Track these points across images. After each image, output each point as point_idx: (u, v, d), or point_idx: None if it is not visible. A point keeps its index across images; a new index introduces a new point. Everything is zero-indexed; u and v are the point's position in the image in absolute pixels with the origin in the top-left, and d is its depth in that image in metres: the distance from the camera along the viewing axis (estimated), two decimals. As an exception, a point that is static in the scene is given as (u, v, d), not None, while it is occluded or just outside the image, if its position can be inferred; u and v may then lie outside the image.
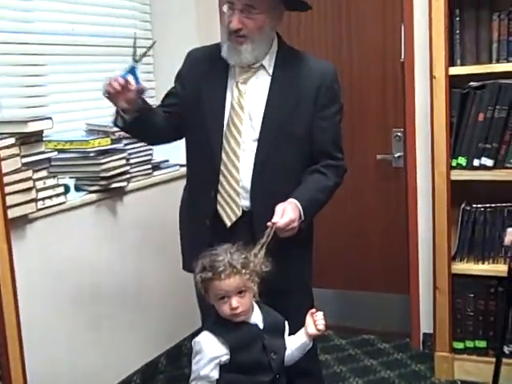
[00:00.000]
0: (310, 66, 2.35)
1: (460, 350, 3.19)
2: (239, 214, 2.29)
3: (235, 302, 1.89)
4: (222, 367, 1.92)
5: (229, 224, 2.30)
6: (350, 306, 3.83)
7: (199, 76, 2.37)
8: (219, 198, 2.31)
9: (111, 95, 2.21)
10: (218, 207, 2.32)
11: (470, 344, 3.17)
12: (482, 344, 3.15)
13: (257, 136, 2.28)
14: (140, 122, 2.29)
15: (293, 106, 2.28)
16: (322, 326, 1.99)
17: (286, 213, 2.12)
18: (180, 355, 3.51)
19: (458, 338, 3.18)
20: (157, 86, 3.66)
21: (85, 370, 2.89)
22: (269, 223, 2.08)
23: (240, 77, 2.32)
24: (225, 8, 2.27)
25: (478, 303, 3.13)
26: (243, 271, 1.89)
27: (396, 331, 3.69)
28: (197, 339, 1.97)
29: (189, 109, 2.38)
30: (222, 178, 2.29)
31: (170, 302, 3.42)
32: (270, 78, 2.31)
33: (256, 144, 2.28)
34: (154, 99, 3.65)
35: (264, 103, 2.29)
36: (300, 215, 2.18)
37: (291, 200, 2.20)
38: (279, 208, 2.13)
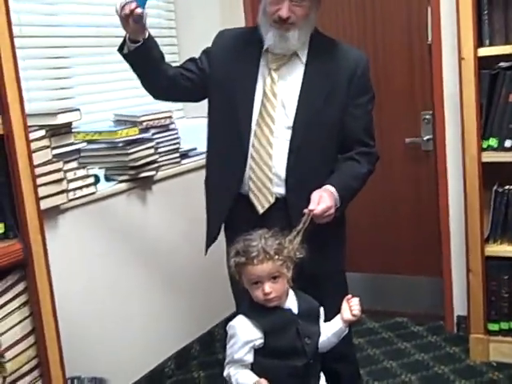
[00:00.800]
0: (344, 54, 2.33)
1: (495, 332, 3.16)
2: (272, 200, 2.29)
3: (268, 287, 1.90)
4: (256, 351, 1.93)
5: (261, 211, 2.30)
6: (382, 289, 3.81)
7: (230, 58, 2.35)
8: (251, 184, 2.30)
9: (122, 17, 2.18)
10: (250, 194, 2.31)
11: (504, 326, 3.14)
12: (517, 325, 3.13)
13: (290, 124, 2.27)
14: (143, 54, 2.29)
15: (327, 94, 2.27)
16: (357, 312, 1.99)
17: (323, 200, 2.12)
18: (213, 341, 3.54)
19: (493, 320, 3.15)
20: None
21: (118, 357, 2.93)
22: (305, 210, 2.08)
23: (273, 63, 2.29)
24: None
25: (512, 285, 3.10)
26: (276, 257, 1.89)
27: (429, 314, 3.67)
28: (231, 323, 1.98)
29: (215, 89, 2.37)
30: (253, 165, 2.29)
31: (202, 289, 3.43)
32: (303, 65, 2.30)
33: (290, 132, 2.27)
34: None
35: (298, 91, 2.27)
36: (336, 202, 2.18)
37: (327, 187, 2.20)
38: (315, 195, 2.13)
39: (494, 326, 3.16)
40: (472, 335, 3.19)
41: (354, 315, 1.99)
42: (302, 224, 2.04)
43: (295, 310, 1.98)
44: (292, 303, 1.99)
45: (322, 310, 2.06)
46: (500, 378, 3.02)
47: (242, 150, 2.30)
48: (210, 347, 3.50)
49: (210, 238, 2.48)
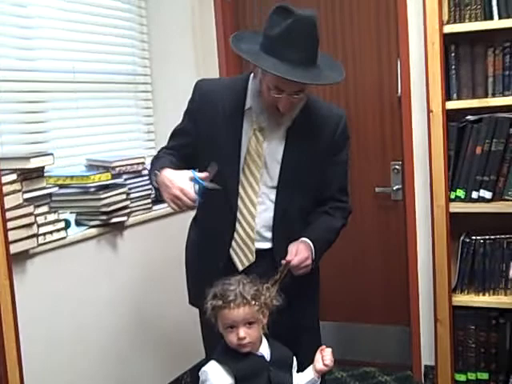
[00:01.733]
0: (325, 113, 2.34)
1: (462, 383, 3.17)
2: (252, 259, 2.31)
3: (242, 332, 1.91)
4: None
5: (241, 268, 2.31)
6: (350, 338, 3.81)
7: (212, 113, 2.31)
8: (233, 243, 2.31)
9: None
10: (231, 251, 2.32)
11: (472, 376, 3.16)
12: (484, 376, 3.14)
13: (274, 184, 2.29)
14: None
15: (310, 155, 2.29)
16: (329, 362, 2.01)
17: (300, 251, 2.18)
18: (180, 390, 3.49)
19: (460, 370, 3.17)
20: (155, 120, 3.70)
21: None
22: (283, 261, 2.14)
23: (258, 123, 2.28)
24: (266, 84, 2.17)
25: (479, 335, 3.12)
26: (253, 302, 1.92)
27: (397, 363, 3.68)
28: (203, 368, 1.98)
29: (203, 148, 2.34)
30: (237, 225, 2.30)
31: (170, 337, 3.40)
32: (286, 127, 2.29)
33: (274, 191, 2.29)
34: (152, 134, 3.70)
35: (281, 152, 2.28)
36: (312, 254, 2.22)
37: (303, 239, 2.24)
38: (292, 247, 2.19)
39: (461, 377, 3.17)
40: (439, 385, 3.19)
41: (325, 365, 2.01)
42: (280, 273, 2.10)
43: (268, 357, 1.99)
44: (265, 350, 2.00)
45: (294, 359, 2.07)
46: (467, 430, 3.03)
47: (231, 210, 2.29)
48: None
49: (192, 302, 2.49)
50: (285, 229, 2.30)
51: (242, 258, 2.32)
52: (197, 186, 2.08)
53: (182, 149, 2.40)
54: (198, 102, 2.37)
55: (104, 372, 2.99)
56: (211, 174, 2.10)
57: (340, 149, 2.36)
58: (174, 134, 2.47)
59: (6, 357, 2.06)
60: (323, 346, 2.06)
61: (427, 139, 3.06)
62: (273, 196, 2.30)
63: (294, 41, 2.07)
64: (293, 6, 2.08)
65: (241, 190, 2.29)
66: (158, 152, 2.48)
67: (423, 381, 3.52)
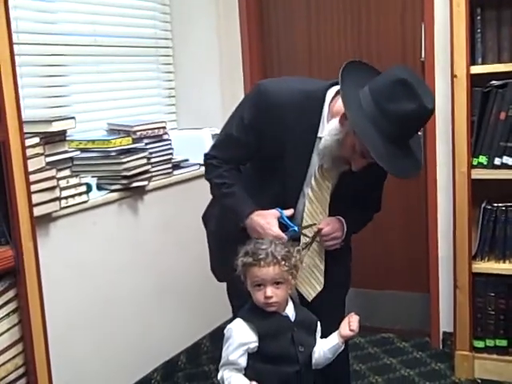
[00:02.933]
0: None
1: (480, 349, 3.17)
2: None
3: (270, 291, 1.92)
4: (251, 356, 1.95)
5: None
6: (369, 304, 3.82)
7: (279, 130, 2.13)
8: None
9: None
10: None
11: (490, 343, 3.16)
12: (502, 343, 3.14)
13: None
14: None
15: (358, 186, 2.24)
16: (355, 328, 2.03)
17: (332, 223, 2.23)
18: (199, 353, 3.53)
19: (479, 337, 3.17)
20: (176, 85, 3.69)
21: (107, 367, 2.92)
22: (315, 227, 2.20)
23: (327, 163, 2.17)
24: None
25: (498, 302, 3.11)
26: (283, 263, 1.93)
27: (415, 330, 3.68)
28: (229, 326, 2.01)
29: (269, 157, 2.21)
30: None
31: (189, 301, 3.43)
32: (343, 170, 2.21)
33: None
34: (173, 99, 3.69)
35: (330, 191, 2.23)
36: (344, 229, 2.27)
37: (338, 217, 2.27)
38: (326, 220, 2.23)
39: (479, 343, 3.17)
40: (457, 352, 3.20)
41: (351, 330, 2.02)
42: (312, 238, 2.18)
43: (292, 318, 2.01)
44: (290, 311, 2.02)
45: (319, 325, 2.09)
46: (484, 395, 3.05)
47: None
48: (197, 359, 3.50)
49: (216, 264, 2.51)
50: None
51: None
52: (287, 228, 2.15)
53: (241, 161, 2.32)
54: (263, 114, 2.14)
55: (125, 335, 3.04)
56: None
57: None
58: (230, 144, 2.26)
59: (31, 319, 2.09)
60: (352, 313, 2.07)
61: (450, 105, 3.02)
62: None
63: (409, 129, 2.01)
64: (414, 81, 1.97)
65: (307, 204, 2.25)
66: (213, 165, 2.29)
67: (441, 347, 3.53)
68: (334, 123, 2.08)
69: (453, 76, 2.97)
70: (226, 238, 2.34)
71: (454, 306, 3.18)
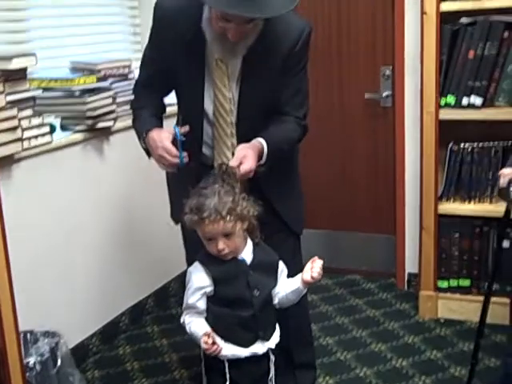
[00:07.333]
0: (283, 32, 2.16)
1: (444, 289, 3.24)
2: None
3: (221, 244, 1.92)
4: (209, 299, 1.97)
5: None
6: (336, 246, 3.86)
7: (173, 37, 2.17)
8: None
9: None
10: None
11: (453, 283, 3.22)
12: (465, 283, 3.20)
13: (234, 120, 2.23)
14: None
15: (267, 82, 2.19)
16: (316, 274, 1.98)
17: (246, 161, 2.04)
18: (167, 296, 3.55)
19: (443, 277, 3.23)
20: (141, 22, 3.57)
21: (72, 312, 2.91)
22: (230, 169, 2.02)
23: (218, 52, 2.15)
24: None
25: (463, 243, 3.17)
26: (228, 217, 1.89)
27: (381, 271, 3.74)
28: (189, 269, 2.03)
29: (170, 75, 2.25)
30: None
31: (157, 243, 3.42)
32: (241, 55, 2.16)
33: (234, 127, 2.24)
34: (138, 36, 3.59)
35: (238, 84, 2.19)
36: (262, 158, 2.14)
37: (259, 141, 2.14)
38: (241, 152, 2.07)
39: (443, 284, 3.23)
40: (422, 292, 3.26)
41: (312, 277, 1.98)
42: (240, 184, 1.99)
43: (249, 261, 2.00)
44: (248, 255, 2.00)
45: (281, 264, 2.07)
46: (447, 334, 3.11)
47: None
48: (165, 302, 3.52)
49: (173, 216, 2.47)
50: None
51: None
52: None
53: (154, 79, 2.31)
54: (158, 24, 2.23)
55: (91, 280, 3.03)
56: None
57: (297, 62, 2.21)
58: (143, 63, 2.36)
59: (-6, 260, 2.05)
60: (315, 257, 2.02)
61: (419, 43, 2.99)
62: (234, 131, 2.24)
63: None
64: None
65: (216, 123, 2.23)
66: (134, 89, 2.43)
67: (406, 288, 3.59)
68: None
69: (423, 13, 2.93)
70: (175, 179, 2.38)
71: (419, 247, 3.22)
